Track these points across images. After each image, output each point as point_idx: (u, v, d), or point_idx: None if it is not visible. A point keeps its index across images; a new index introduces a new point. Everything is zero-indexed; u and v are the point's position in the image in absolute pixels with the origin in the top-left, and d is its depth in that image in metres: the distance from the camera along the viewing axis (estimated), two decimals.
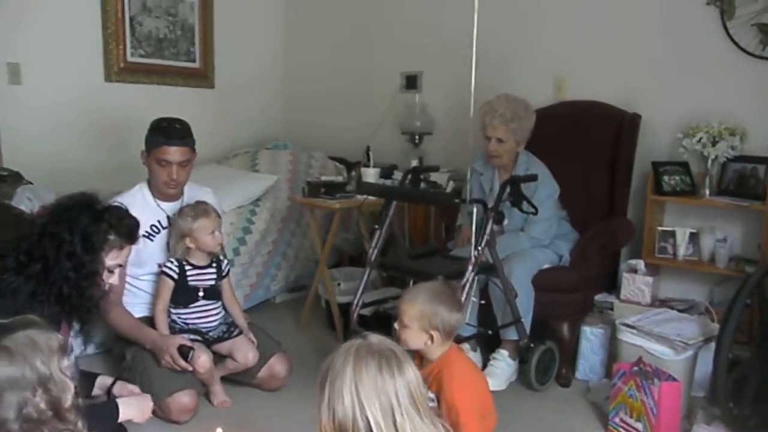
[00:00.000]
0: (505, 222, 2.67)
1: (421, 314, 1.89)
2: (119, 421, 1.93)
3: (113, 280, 2.08)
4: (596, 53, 3.39)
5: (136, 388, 2.20)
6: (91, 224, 1.95)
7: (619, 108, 3.23)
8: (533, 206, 2.60)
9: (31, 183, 3.40)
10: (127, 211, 2.12)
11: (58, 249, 1.90)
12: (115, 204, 2.12)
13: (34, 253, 1.90)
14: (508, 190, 2.56)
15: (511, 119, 2.83)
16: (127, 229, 2.05)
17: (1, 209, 2.65)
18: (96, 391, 2.18)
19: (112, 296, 2.32)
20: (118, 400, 1.98)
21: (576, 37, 3.44)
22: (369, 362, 1.24)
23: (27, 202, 3.21)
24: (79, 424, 1.31)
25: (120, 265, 2.08)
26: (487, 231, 2.48)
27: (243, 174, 3.79)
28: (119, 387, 2.18)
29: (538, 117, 2.93)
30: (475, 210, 2.45)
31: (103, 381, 2.20)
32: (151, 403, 2.10)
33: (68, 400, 1.28)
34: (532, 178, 2.70)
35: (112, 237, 2.00)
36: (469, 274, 2.44)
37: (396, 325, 1.93)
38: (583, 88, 3.39)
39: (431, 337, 1.90)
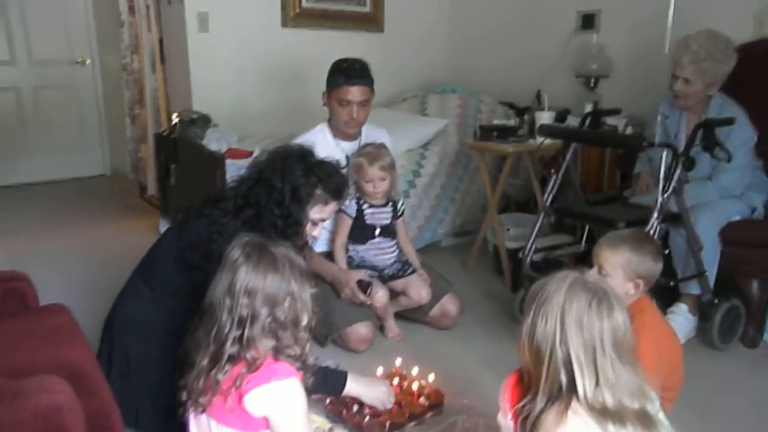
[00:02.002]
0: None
1: (628, 263, 1.83)
2: (342, 393, 1.97)
3: (316, 233, 2.12)
4: None
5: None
6: (301, 176, 2.00)
7: None
8: (727, 152, 2.41)
9: (217, 125, 3.67)
10: (337, 169, 2.14)
11: (269, 196, 1.97)
12: (328, 160, 2.14)
13: (249, 197, 1.98)
14: (700, 134, 2.38)
15: (704, 59, 2.61)
16: (334, 186, 2.08)
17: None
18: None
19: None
20: (350, 376, 1.99)
21: None
22: (580, 296, 1.25)
23: (216, 142, 3.47)
24: (308, 346, 1.46)
25: (323, 220, 2.12)
26: (675, 177, 2.34)
27: (413, 118, 3.83)
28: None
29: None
30: (664, 154, 2.31)
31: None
32: (384, 387, 2.04)
33: (305, 320, 1.44)
34: (728, 121, 2.49)
35: (318, 192, 2.04)
36: (654, 222, 2.33)
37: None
38: None
39: (636, 286, 1.84)
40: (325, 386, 1.92)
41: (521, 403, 1.34)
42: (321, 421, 1.82)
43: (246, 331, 1.39)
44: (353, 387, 1.97)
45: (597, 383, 1.22)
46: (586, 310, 1.23)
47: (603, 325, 1.23)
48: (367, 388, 2.00)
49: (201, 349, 1.43)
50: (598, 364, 1.22)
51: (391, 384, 2.15)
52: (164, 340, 1.71)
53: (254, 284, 1.39)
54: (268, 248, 1.44)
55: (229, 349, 1.39)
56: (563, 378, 1.24)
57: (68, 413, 1.19)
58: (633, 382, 1.24)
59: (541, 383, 1.27)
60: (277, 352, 1.43)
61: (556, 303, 1.25)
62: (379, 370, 2.21)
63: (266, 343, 1.41)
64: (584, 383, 1.22)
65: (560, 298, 1.25)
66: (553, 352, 1.24)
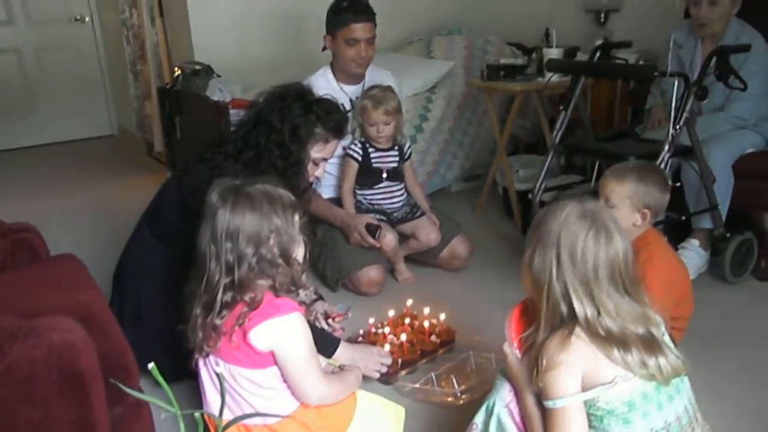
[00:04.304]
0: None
1: (634, 192, 1.82)
2: (331, 358, 1.87)
3: (318, 173, 2.11)
4: None
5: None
6: (300, 115, 1.97)
7: None
8: (742, 81, 2.35)
9: (219, 75, 3.62)
10: (337, 106, 2.11)
11: (269, 137, 1.95)
12: (327, 97, 2.11)
13: (249, 139, 1.96)
14: (714, 62, 2.32)
15: None
16: (334, 124, 2.05)
17: None
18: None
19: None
20: (342, 344, 1.89)
21: None
22: (576, 227, 1.22)
23: (219, 93, 3.44)
24: (304, 277, 1.45)
25: (325, 159, 2.10)
26: (687, 108, 2.29)
27: (419, 61, 3.75)
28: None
29: None
30: (675, 84, 2.26)
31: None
32: (373, 357, 1.92)
33: (295, 253, 1.42)
34: (744, 48, 2.41)
35: (318, 130, 2.02)
36: (665, 155, 2.29)
37: None
38: None
39: (643, 216, 1.82)
40: (317, 347, 1.88)
41: (526, 333, 1.34)
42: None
43: (236, 275, 1.38)
44: (343, 355, 1.87)
45: (598, 313, 1.21)
46: (581, 242, 1.21)
47: (599, 256, 1.21)
48: (357, 359, 1.88)
49: (195, 299, 1.43)
50: (594, 295, 1.21)
51: (402, 324, 2.16)
52: (171, 285, 1.71)
53: (234, 226, 1.38)
54: (243, 188, 1.42)
55: (222, 297, 1.39)
56: (563, 308, 1.23)
57: (81, 351, 1.20)
58: (635, 311, 1.23)
59: (543, 313, 1.26)
60: (276, 290, 1.42)
61: (553, 235, 1.23)
62: (391, 312, 2.21)
63: (261, 284, 1.41)
64: (584, 313, 1.21)
65: (557, 230, 1.23)
66: (551, 284, 1.23)
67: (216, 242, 1.39)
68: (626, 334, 1.21)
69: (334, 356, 1.88)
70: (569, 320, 1.23)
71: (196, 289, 1.43)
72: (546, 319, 1.26)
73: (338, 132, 2.08)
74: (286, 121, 1.96)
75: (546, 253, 1.24)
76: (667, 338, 1.29)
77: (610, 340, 1.20)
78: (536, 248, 1.26)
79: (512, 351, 1.38)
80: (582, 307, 1.21)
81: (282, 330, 1.39)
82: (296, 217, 1.44)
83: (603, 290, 1.21)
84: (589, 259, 1.21)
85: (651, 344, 1.22)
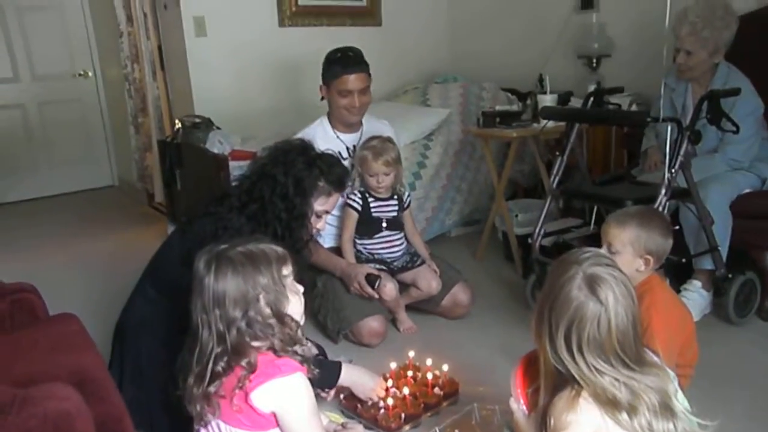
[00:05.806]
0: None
1: (636, 238, 1.81)
2: (338, 383, 1.94)
3: (320, 225, 2.15)
4: None
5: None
6: (303, 169, 2.02)
7: None
8: (734, 124, 2.37)
9: (219, 128, 3.67)
10: (338, 160, 2.17)
11: (273, 190, 1.99)
12: (328, 152, 2.17)
13: (253, 193, 2.00)
14: (705, 106, 2.34)
15: (702, 28, 2.58)
16: (336, 177, 2.10)
17: None
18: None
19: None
20: (344, 365, 1.96)
21: None
22: (578, 296, 1.21)
23: (219, 145, 3.47)
24: (300, 332, 1.43)
25: (327, 212, 2.14)
26: (682, 152, 2.30)
27: (415, 109, 3.81)
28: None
29: (740, 23, 2.64)
30: (669, 129, 2.28)
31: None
32: (378, 380, 2.01)
33: (288, 307, 1.41)
34: (734, 92, 2.44)
35: (321, 183, 2.06)
36: (662, 198, 2.30)
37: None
38: None
39: (646, 262, 1.82)
40: (320, 378, 1.88)
41: (532, 388, 1.32)
42: (336, 417, 1.81)
43: (228, 341, 1.37)
44: (346, 377, 1.94)
45: (602, 383, 1.19)
46: (578, 318, 1.20)
47: (598, 331, 1.19)
48: (358, 380, 1.97)
49: (188, 369, 1.43)
50: (596, 368, 1.19)
51: (405, 376, 2.14)
52: (172, 342, 1.70)
53: (219, 293, 1.37)
54: (225, 253, 1.41)
55: (213, 367, 1.37)
56: (564, 374, 1.22)
57: (77, 419, 1.18)
58: (644, 379, 1.21)
59: (542, 377, 1.26)
60: (276, 350, 1.41)
61: (551, 302, 1.23)
62: (393, 365, 2.19)
63: (257, 346, 1.39)
64: (584, 383, 1.19)
65: (555, 298, 1.22)
66: (545, 352, 1.23)
67: (206, 311, 1.39)
68: (635, 400, 1.19)
69: (339, 381, 1.92)
70: (573, 380, 1.21)
71: (189, 359, 1.42)
72: (545, 385, 1.24)
73: (340, 185, 2.13)
74: (290, 175, 2.01)
75: (543, 320, 1.23)
76: (680, 395, 1.26)
77: (617, 405, 1.18)
78: (538, 310, 1.25)
79: (519, 407, 1.36)
80: (582, 378, 1.19)
81: (284, 391, 1.38)
82: (285, 270, 1.43)
83: (605, 363, 1.19)
84: (584, 334, 1.19)
85: (663, 409, 1.20)
